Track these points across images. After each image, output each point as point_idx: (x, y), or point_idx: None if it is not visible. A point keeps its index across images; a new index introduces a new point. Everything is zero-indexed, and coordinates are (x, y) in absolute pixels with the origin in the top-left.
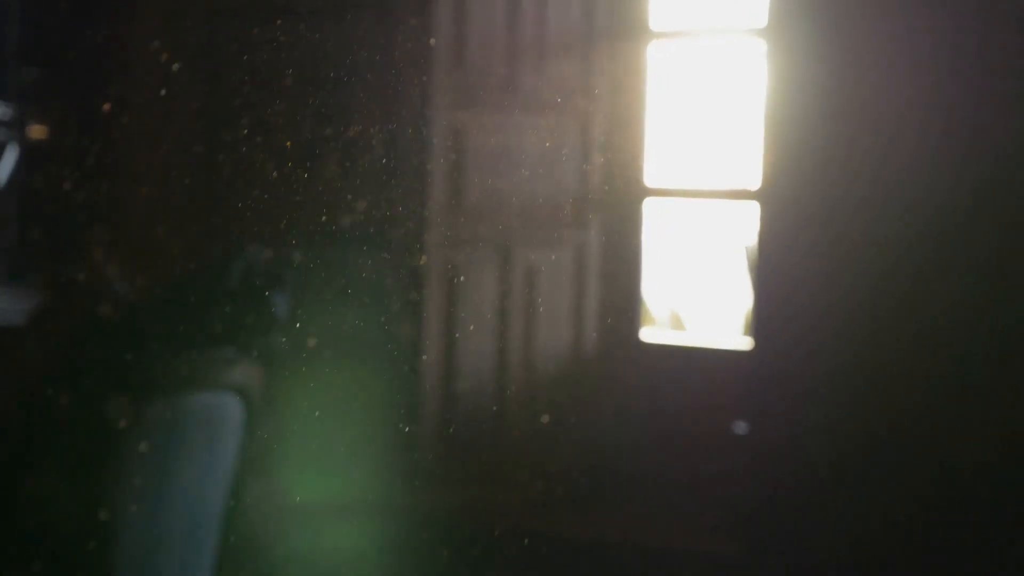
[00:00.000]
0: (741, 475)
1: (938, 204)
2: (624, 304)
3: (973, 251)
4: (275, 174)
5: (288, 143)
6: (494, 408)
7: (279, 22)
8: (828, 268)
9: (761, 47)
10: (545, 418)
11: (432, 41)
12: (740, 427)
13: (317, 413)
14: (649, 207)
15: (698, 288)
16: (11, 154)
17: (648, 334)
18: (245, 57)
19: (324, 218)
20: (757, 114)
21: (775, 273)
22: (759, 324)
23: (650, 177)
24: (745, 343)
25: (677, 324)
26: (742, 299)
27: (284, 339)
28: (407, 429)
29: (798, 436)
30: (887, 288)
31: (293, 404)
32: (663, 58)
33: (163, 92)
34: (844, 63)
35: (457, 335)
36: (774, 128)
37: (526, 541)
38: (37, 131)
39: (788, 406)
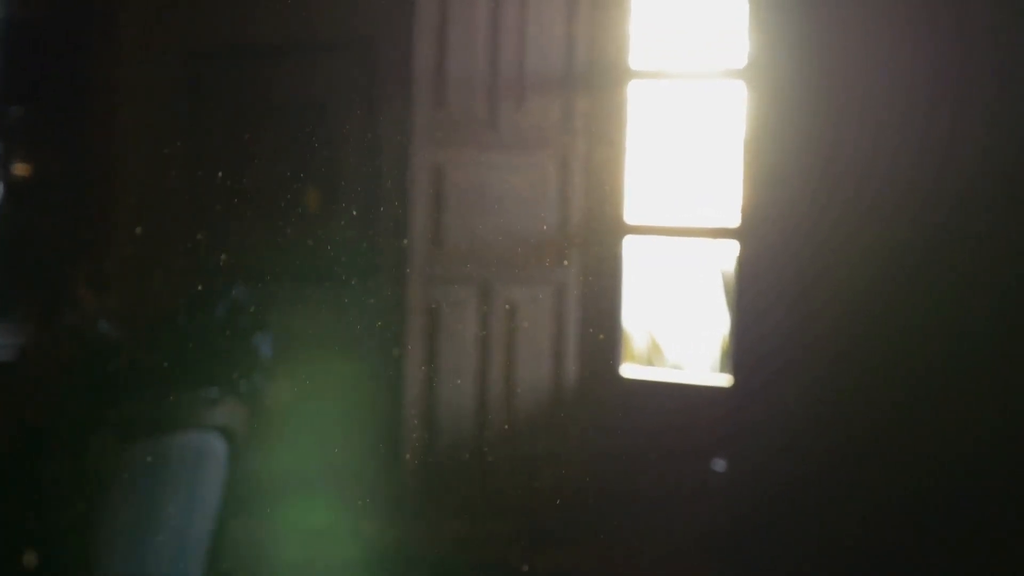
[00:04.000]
0: (718, 510)
1: (917, 240)
2: (604, 340)
3: (956, 286)
4: (257, 213)
5: (270, 183)
6: (475, 443)
7: (261, 61)
8: (807, 305)
9: (740, 88)
10: (525, 453)
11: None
12: (718, 464)
13: (299, 450)
14: (629, 244)
15: (678, 324)
16: None
17: (628, 370)
18: (227, 96)
19: (306, 257)
20: (736, 153)
21: (754, 310)
22: (738, 360)
23: (630, 215)
24: (725, 379)
25: (658, 360)
26: (721, 334)
27: (267, 378)
28: (389, 464)
29: (776, 471)
30: (865, 325)
31: (276, 442)
32: (643, 98)
33: (146, 131)
34: (822, 103)
35: (438, 371)
36: (753, 167)
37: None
38: (21, 169)
39: (766, 442)
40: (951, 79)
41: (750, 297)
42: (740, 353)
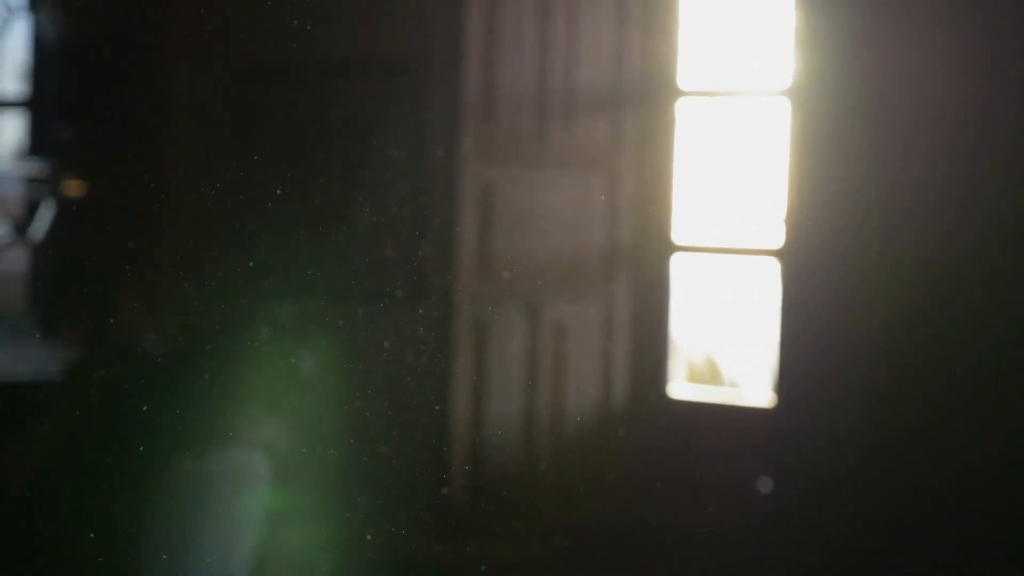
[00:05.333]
0: (765, 533)
1: (963, 260)
2: (652, 360)
3: (1001, 303)
4: (305, 232)
5: (318, 200)
6: (521, 463)
7: (310, 80)
8: (850, 324)
9: (785, 107)
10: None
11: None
12: (765, 484)
13: (344, 470)
14: (678, 263)
15: (736, 343)
16: (47, 210)
17: (676, 390)
18: (275, 114)
19: (352, 275)
20: (781, 173)
21: (798, 330)
22: (782, 381)
23: (678, 234)
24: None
25: (715, 379)
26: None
27: (310, 396)
28: (434, 484)
29: (822, 494)
30: (910, 345)
31: (320, 460)
32: (691, 116)
33: (195, 149)
34: (867, 123)
35: (485, 391)
36: (797, 186)
37: None
38: (72, 187)
39: (811, 464)
40: (1002, 100)
41: (794, 317)
42: (784, 372)
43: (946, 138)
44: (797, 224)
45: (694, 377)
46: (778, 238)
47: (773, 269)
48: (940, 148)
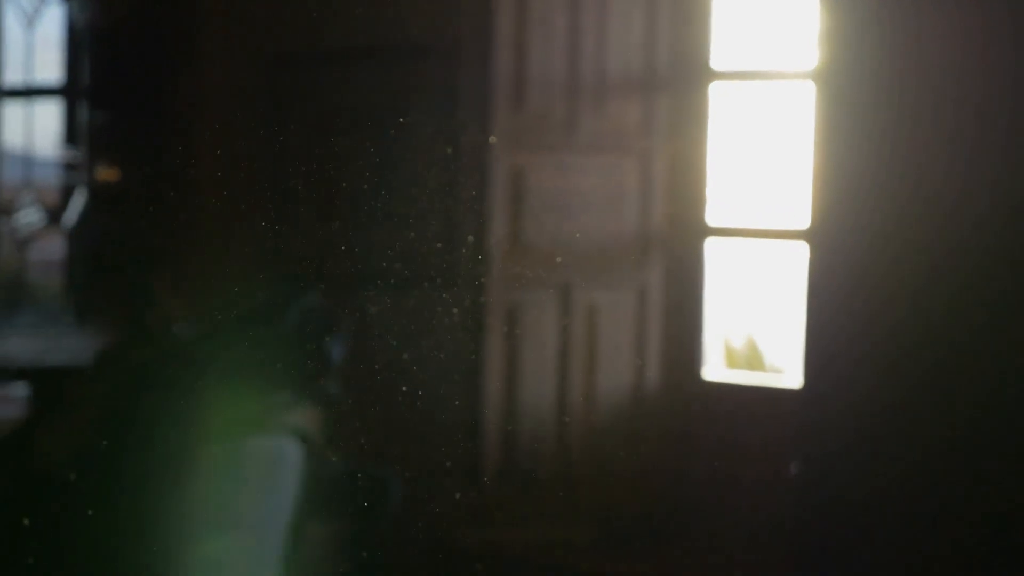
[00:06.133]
0: (797, 515)
1: (992, 243)
2: (686, 343)
3: None
4: (336, 217)
5: (350, 186)
6: (554, 447)
7: (341, 66)
8: (877, 306)
9: (810, 88)
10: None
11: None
12: (794, 466)
13: (376, 454)
14: (713, 248)
15: (778, 327)
16: (80, 197)
17: (711, 372)
18: (306, 101)
19: (384, 260)
20: (808, 154)
21: (825, 312)
22: (809, 362)
23: (712, 217)
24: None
25: (757, 363)
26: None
27: (342, 381)
28: (467, 468)
29: (852, 475)
30: (936, 324)
31: (352, 446)
32: (724, 98)
33: (227, 136)
34: (893, 105)
35: (518, 375)
36: (824, 168)
37: None
38: (105, 174)
39: (837, 443)
40: None
41: (821, 299)
42: (811, 355)
43: (974, 119)
44: (823, 206)
45: (733, 363)
46: (804, 220)
47: (803, 252)
48: (968, 130)
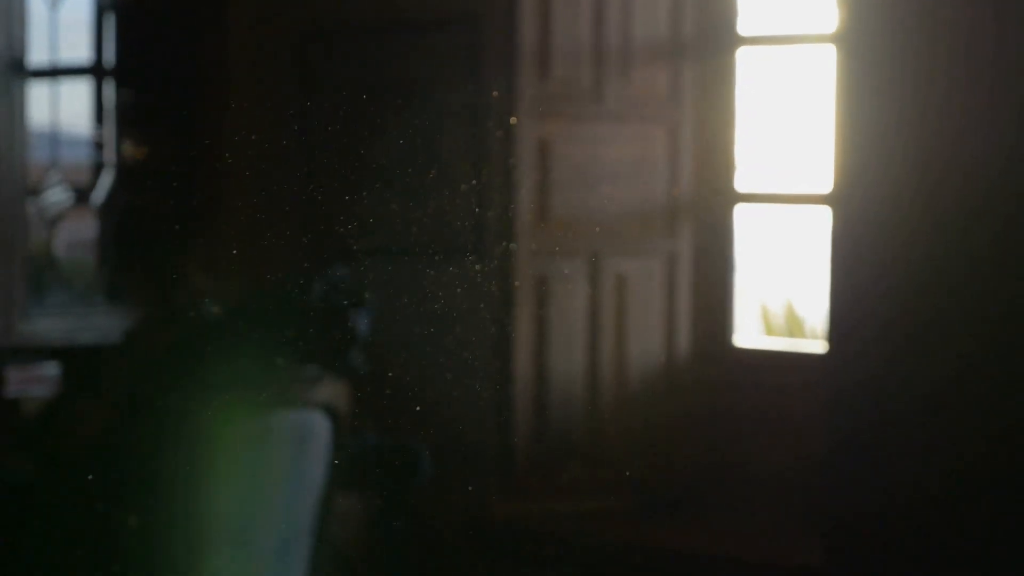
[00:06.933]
0: (826, 481)
1: (1013, 206)
2: (716, 310)
3: None
4: (364, 190)
5: (378, 160)
6: (585, 417)
7: (368, 40)
8: (902, 271)
9: (832, 52)
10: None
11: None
12: (823, 426)
13: (405, 427)
14: (739, 212)
15: (816, 292)
16: (108, 176)
17: (741, 339)
18: (335, 75)
19: (413, 231)
20: (831, 118)
21: (849, 277)
22: (834, 327)
23: (740, 183)
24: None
25: (797, 330)
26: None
27: (371, 354)
28: (498, 438)
29: (880, 441)
30: (960, 289)
31: (381, 420)
32: (750, 64)
33: (256, 112)
34: (916, 67)
35: (548, 345)
36: (847, 132)
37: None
38: (133, 153)
39: (862, 408)
40: None
41: (845, 263)
42: (836, 319)
43: (996, 83)
44: (846, 170)
45: (771, 330)
46: (828, 184)
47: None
48: (995, 86)
